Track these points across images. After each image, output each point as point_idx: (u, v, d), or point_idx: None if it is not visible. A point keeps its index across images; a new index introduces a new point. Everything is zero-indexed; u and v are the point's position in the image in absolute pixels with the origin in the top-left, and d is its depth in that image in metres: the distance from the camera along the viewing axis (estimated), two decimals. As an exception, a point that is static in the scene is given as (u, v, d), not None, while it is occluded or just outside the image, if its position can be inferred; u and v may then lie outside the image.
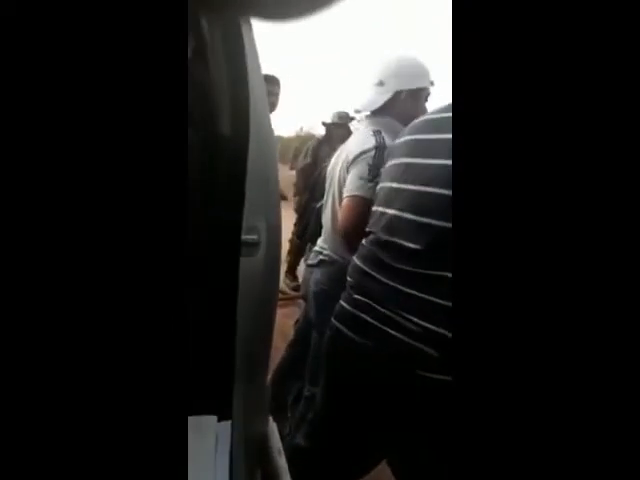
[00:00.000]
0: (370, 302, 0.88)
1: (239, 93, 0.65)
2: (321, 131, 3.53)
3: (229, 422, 0.64)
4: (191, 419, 0.49)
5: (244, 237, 0.69)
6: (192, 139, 0.63)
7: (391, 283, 0.84)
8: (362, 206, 1.16)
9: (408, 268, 0.82)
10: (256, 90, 0.67)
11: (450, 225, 0.75)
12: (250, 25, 0.72)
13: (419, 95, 1.28)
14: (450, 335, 0.75)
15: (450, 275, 0.75)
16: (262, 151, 0.69)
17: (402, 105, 1.28)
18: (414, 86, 1.27)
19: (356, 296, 0.92)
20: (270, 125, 0.78)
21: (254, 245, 0.73)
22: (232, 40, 0.67)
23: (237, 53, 0.66)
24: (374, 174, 1.15)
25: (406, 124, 1.12)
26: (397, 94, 1.27)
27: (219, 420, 0.64)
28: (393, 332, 0.82)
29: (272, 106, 2.20)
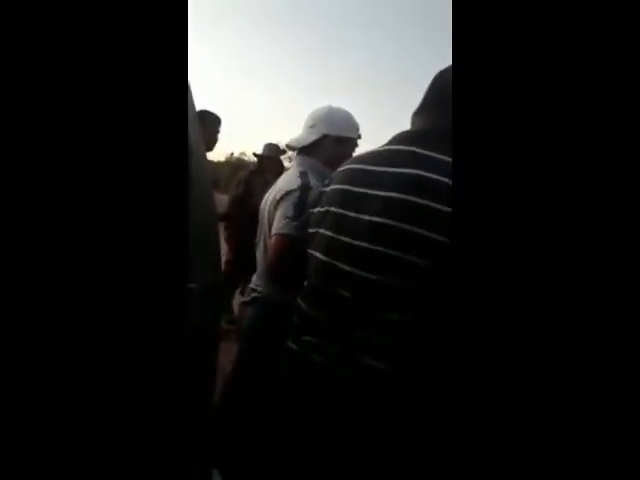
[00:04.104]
0: (319, 342, 0.91)
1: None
2: (251, 157, 3.57)
3: None
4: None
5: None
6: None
7: (337, 323, 0.88)
8: (288, 244, 1.22)
9: (348, 312, 0.86)
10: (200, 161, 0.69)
11: (371, 275, 0.82)
12: None
13: (345, 143, 1.38)
14: (401, 370, 0.80)
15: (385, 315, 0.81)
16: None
17: (329, 149, 1.37)
18: (340, 134, 1.37)
19: (305, 337, 0.94)
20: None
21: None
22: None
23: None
24: (298, 213, 1.22)
25: (332, 168, 1.19)
26: (324, 137, 1.37)
27: None
28: (344, 371, 0.85)
29: (214, 143, 2.24)
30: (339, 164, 1.07)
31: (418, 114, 0.94)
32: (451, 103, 0.86)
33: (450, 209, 0.73)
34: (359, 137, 1.44)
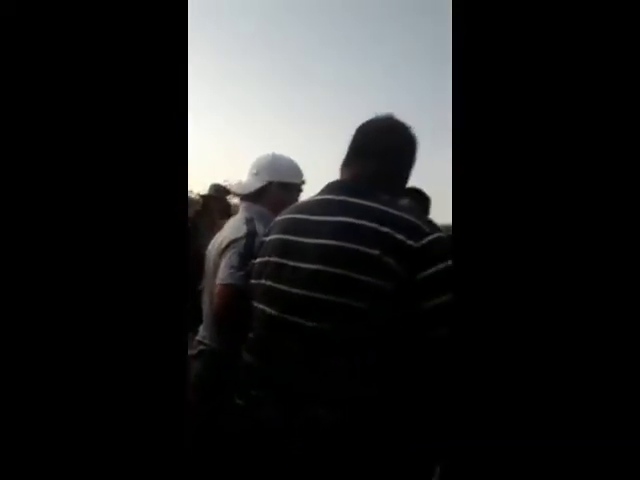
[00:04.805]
0: (267, 396, 0.89)
1: None
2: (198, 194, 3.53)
3: None
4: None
5: None
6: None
7: (285, 375, 0.88)
8: (233, 295, 1.20)
9: (294, 362, 0.86)
10: None
11: (314, 323, 0.83)
12: None
13: (290, 189, 1.42)
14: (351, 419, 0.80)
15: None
16: None
17: (274, 195, 1.39)
18: (285, 180, 1.40)
19: (253, 392, 0.92)
20: None
21: None
22: None
23: None
24: (244, 262, 1.21)
25: (278, 214, 1.21)
26: (269, 184, 1.39)
27: None
28: (294, 423, 0.84)
29: None
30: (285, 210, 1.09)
31: (345, 165, 1.00)
32: (375, 153, 0.95)
33: (378, 252, 0.79)
34: (303, 182, 1.48)
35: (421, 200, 1.97)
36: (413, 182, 1.08)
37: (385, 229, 0.80)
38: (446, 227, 1.14)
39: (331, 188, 0.96)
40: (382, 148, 0.95)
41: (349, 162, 0.99)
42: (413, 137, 0.99)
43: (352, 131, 1.00)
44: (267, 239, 1.03)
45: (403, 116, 0.98)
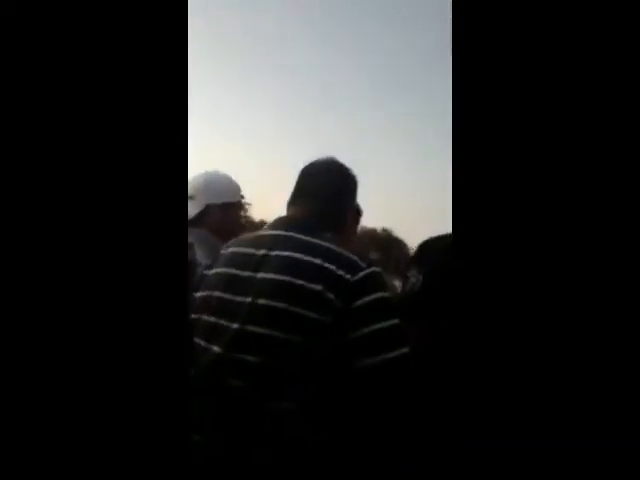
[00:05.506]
0: (207, 441, 0.86)
1: None
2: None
3: None
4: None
5: None
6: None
7: (226, 417, 0.86)
8: None
9: (237, 403, 0.85)
10: None
11: (258, 359, 0.82)
12: None
13: (230, 208, 1.38)
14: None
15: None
16: None
17: (215, 218, 1.35)
18: (223, 201, 1.36)
19: (195, 436, 0.87)
20: None
21: None
22: None
23: None
24: None
25: (221, 237, 1.17)
26: (208, 208, 1.34)
27: None
28: (230, 469, 0.82)
29: None
30: (228, 230, 1.07)
31: (291, 204, 1.03)
32: (318, 194, 0.99)
33: (321, 287, 0.81)
34: (242, 197, 1.44)
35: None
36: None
37: (328, 265, 0.83)
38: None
39: (279, 224, 0.98)
40: (324, 189, 1.00)
41: (294, 201, 1.03)
42: (353, 178, 1.05)
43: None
44: (210, 273, 1.00)
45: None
